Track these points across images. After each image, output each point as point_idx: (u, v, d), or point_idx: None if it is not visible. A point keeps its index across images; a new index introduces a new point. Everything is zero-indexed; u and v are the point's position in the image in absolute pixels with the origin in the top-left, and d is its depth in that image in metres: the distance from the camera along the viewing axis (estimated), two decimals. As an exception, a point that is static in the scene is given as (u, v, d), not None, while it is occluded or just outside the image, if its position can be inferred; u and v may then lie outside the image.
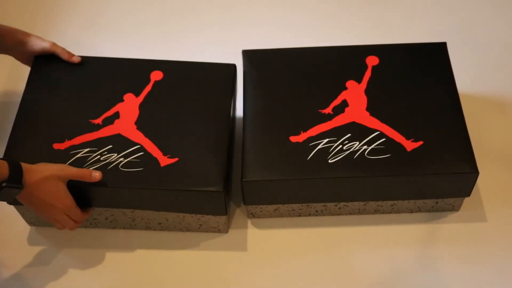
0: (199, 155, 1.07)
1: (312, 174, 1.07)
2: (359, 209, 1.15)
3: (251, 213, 1.16)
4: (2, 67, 1.38)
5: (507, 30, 1.43)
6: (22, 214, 1.14)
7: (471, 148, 1.08)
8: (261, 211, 1.15)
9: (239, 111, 1.24)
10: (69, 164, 1.06)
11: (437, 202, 1.14)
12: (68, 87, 1.16)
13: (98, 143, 1.09)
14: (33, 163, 1.01)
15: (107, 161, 1.07)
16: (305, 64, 1.20)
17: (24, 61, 1.21)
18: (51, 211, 1.02)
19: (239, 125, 1.25)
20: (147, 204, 1.08)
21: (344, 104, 1.14)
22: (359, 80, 1.17)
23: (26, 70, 1.21)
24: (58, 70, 1.17)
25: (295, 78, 1.18)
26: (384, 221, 1.16)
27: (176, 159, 1.06)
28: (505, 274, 1.09)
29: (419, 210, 1.16)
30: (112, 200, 1.08)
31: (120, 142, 1.09)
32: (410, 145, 1.09)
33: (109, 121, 1.11)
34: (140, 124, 1.11)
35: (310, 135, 1.11)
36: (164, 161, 1.06)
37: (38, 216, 1.13)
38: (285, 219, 1.17)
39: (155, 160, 1.06)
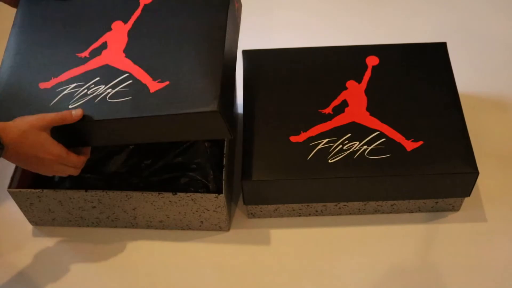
0: (191, 77, 1.00)
1: (312, 174, 1.07)
2: (359, 209, 1.15)
3: (251, 213, 1.16)
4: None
5: (507, 30, 1.43)
6: (25, 213, 1.14)
7: (471, 148, 1.08)
8: (261, 211, 1.15)
9: (239, 111, 1.24)
10: (55, 102, 1.02)
11: (437, 202, 1.14)
12: (55, 24, 1.11)
13: (85, 77, 1.04)
14: (20, 104, 0.98)
15: (94, 94, 1.02)
16: (305, 64, 1.20)
17: (10, 2, 1.15)
18: (42, 165, 0.97)
19: (239, 125, 1.25)
20: (140, 135, 1.03)
21: (344, 104, 1.14)
22: (359, 80, 1.17)
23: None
24: (44, 8, 1.12)
25: (295, 78, 1.18)
26: (384, 221, 1.15)
27: (167, 82, 1.00)
28: (505, 274, 1.09)
29: (419, 210, 1.16)
30: (105, 135, 1.03)
31: (107, 73, 1.04)
32: (410, 145, 1.09)
33: (97, 52, 1.07)
34: (129, 51, 1.05)
35: (310, 135, 1.11)
36: (154, 86, 1.01)
37: (40, 215, 1.13)
38: (285, 219, 1.17)
39: (145, 87, 1.01)
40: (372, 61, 1.20)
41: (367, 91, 1.16)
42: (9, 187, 1.09)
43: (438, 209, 1.16)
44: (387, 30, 1.44)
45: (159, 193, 1.06)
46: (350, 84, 1.17)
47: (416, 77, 1.17)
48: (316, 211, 1.16)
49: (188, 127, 1.01)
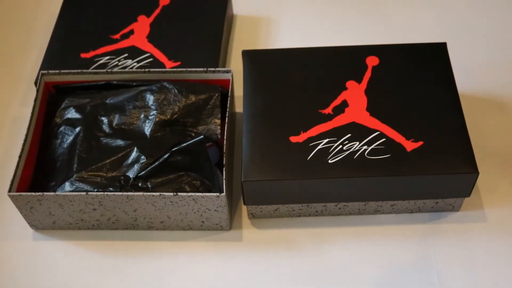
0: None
1: (312, 174, 1.07)
2: (359, 209, 1.15)
3: (251, 213, 1.16)
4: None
5: (507, 30, 1.43)
6: (25, 217, 1.14)
7: (471, 148, 1.09)
8: (261, 211, 1.15)
9: (239, 111, 1.24)
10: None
11: (437, 202, 1.14)
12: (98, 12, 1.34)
13: (116, 52, 1.26)
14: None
15: (123, 64, 1.23)
16: (305, 64, 1.20)
17: None
18: None
19: (239, 125, 1.25)
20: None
21: (344, 104, 1.15)
22: (359, 80, 1.17)
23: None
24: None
25: (295, 78, 1.19)
26: (384, 221, 1.16)
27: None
28: (505, 275, 1.09)
29: (419, 210, 1.16)
30: None
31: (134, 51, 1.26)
32: (410, 145, 1.09)
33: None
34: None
35: (310, 135, 1.11)
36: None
37: (41, 219, 1.13)
38: (285, 219, 1.17)
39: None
40: (372, 61, 1.20)
41: (367, 91, 1.16)
42: (9, 191, 1.08)
43: (438, 209, 1.16)
44: (387, 30, 1.44)
45: (160, 194, 1.06)
46: (350, 84, 1.17)
47: (416, 77, 1.17)
48: (316, 211, 1.16)
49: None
